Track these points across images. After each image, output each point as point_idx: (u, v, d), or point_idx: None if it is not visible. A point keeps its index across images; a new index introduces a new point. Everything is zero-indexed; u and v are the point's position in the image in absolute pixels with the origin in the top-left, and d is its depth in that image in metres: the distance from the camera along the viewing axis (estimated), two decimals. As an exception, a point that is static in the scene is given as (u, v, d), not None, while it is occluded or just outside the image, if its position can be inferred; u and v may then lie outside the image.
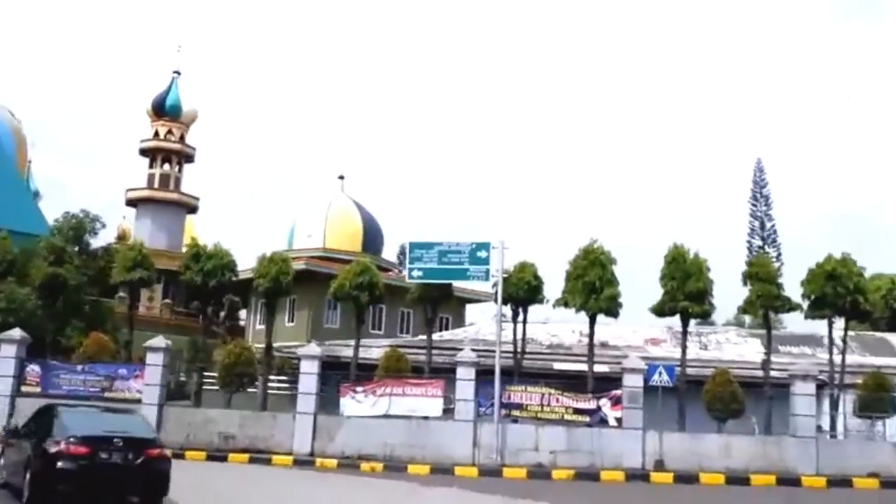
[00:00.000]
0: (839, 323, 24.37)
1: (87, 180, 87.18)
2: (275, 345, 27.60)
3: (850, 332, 27.60)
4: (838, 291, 22.58)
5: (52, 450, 11.82)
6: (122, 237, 48.26)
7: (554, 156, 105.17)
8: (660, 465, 21.68)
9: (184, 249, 50.93)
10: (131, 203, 51.50)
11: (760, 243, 53.83)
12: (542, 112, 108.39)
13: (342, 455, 22.40)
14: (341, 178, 51.05)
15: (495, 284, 23.67)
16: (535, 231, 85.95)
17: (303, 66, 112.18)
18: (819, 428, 23.23)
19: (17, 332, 24.48)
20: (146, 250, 27.51)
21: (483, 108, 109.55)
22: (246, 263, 28.88)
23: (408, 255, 24.26)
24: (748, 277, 23.59)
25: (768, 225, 54.05)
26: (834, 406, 24.01)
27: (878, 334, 35.34)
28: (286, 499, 16.36)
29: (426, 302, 25.65)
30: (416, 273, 23.60)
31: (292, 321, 43.56)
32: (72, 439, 11.87)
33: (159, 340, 24.08)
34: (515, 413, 22.74)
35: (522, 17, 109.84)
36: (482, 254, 23.14)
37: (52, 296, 26.37)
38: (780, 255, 53.16)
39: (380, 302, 28.12)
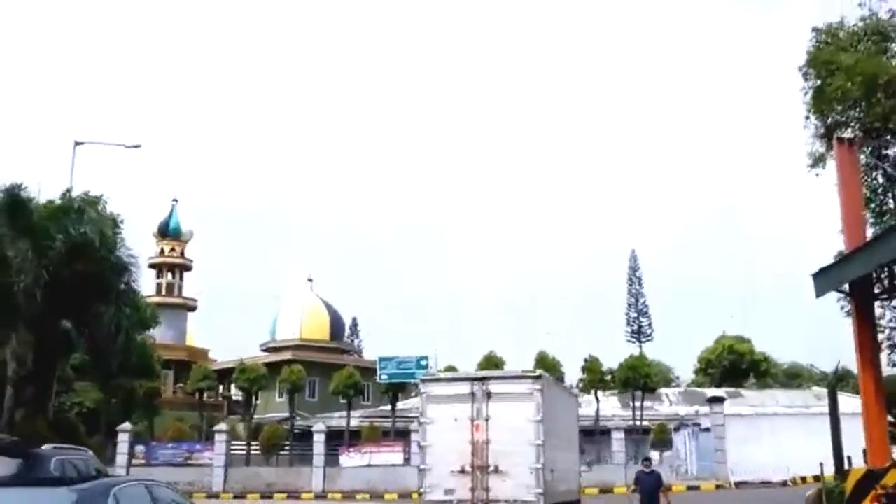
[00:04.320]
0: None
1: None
2: (271, 415, 41.91)
3: (680, 389, 43.13)
4: (636, 376, 38.13)
5: None
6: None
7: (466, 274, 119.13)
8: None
9: (186, 343, 64.83)
10: (143, 307, 64.83)
11: (636, 314, 69.77)
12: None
13: (342, 491, 36.64)
14: (310, 280, 65.75)
15: (432, 380, 38.40)
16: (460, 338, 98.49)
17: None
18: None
19: (128, 425, 38.33)
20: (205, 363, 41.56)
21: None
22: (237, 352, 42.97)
23: (378, 366, 39.05)
24: (585, 370, 39.00)
25: (641, 301, 70.03)
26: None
27: (699, 389, 51.32)
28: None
29: (390, 391, 40.43)
30: (384, 377, 38.50)
31: (281, 397, 57.64)
32: None
33: (222, 426, 38.27)
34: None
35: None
36: (423, 362, 38.07)
37: (148, 400, 40.21)
38: (650, 323, 69.34)
39: (359, 392, 42.64)
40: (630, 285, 70.42)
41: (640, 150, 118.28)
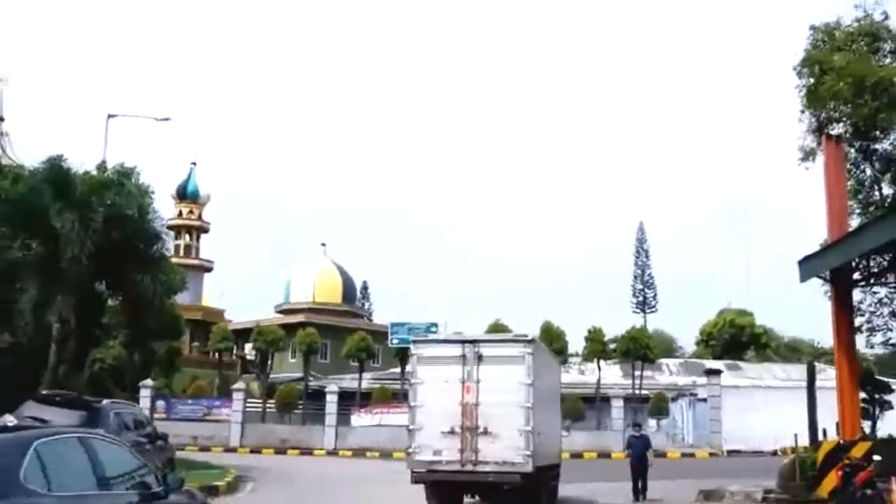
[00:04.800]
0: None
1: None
2: (284, 375, 43.76)
3: (681, 360, 44.78)
4: (637, 347, 39.71)
5: None
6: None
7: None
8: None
9: (202, 303, 66.63)
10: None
11: (641, 286, 71.06)
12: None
13: (353, 449, 38.49)
14: (323, 244, 67.29)
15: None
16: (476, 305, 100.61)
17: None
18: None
19: (150, 382, 40.19)
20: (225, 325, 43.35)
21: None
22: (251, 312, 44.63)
23: (390, 331, 40.74)
24: (588, 340, 40.55)
25: (647, 272, 71.30)
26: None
27: (699, 360, 52.92)
28: (328, 468, 32.23)
29: (401, 355, 42.09)
30: (395, 341, 40.19)
31: (294, 357, 59.48)
32: None
33: (240, 384, 40.11)
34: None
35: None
36: (433, 328, 39.63)
37: (169, 358, 42.12)
38: (655, 295, 70.65)
39: (371, 356, 44.47)
40: (637, 257, 71.76)
41: (646, 138, 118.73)
